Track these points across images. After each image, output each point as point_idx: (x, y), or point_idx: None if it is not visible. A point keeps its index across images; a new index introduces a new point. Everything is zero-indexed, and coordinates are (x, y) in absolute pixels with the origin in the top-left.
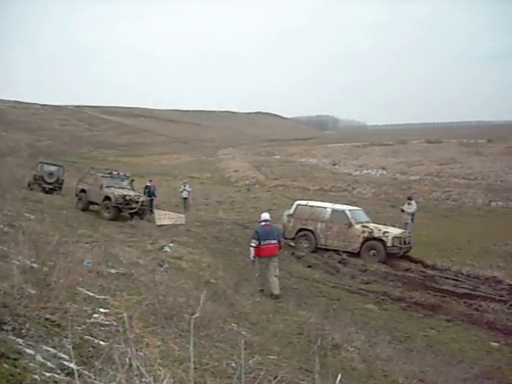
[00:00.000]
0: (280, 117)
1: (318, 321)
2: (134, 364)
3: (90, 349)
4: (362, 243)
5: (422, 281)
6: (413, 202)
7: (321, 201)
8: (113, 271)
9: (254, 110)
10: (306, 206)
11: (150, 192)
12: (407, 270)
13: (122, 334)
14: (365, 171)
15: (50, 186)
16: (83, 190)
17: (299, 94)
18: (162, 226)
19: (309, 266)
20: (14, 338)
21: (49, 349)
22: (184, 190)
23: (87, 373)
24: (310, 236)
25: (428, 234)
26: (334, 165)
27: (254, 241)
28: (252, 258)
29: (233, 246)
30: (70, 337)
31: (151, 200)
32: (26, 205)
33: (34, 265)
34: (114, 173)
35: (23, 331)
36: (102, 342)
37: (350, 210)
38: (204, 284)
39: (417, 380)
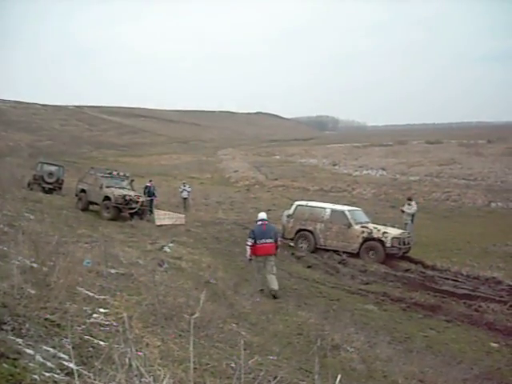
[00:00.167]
0: (280, 117)
1: (318, 321)
2: (134, 364)
3: (90, 349)
4: (362, 244)
5: (422, 281)
6: (413, 203)
7: (321, 201)
8: (113, 271)
9: (254, 111)
10: (305, 206)
11: (149, 192)
12: (407, 270)
13: (122, 334)
14: (365, 172)
15: (50, 186)
16: (83, 190)
17: (299, 95)
18: (161, 226)
19: (308, 267)
20: (13, 337)
21: (48, 349)
22: (184, 190)
23: (87, 373)
24: (310, 236)
25: (428, 235)
26: (334, 165)
27: (249, 239)
28: (248, 257)
29: (232, 246)
30: (70, 337)
31: (151, 200)
32: (25, 205)
33: (34, 265)
34: (114, 173)
35: (23, 331)
36: (101, 342)
37: (349, 211)
38: (204, 284)
39: (416, 381)
